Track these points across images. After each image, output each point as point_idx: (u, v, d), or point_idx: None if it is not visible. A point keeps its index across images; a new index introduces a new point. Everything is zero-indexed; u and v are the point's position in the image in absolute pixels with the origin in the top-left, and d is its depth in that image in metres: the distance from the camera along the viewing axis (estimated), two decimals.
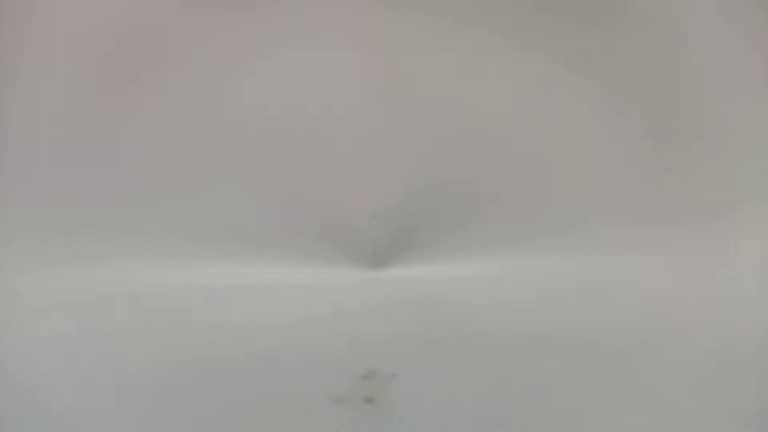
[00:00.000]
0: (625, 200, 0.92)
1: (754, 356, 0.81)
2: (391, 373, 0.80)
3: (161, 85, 0.87)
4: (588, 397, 0.77)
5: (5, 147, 0.87)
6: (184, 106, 0.88)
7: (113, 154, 0.89)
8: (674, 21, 0.87)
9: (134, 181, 0.90)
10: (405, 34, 0.88)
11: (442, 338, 0.85)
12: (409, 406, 0.77)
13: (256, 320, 0.87)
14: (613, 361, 0.81)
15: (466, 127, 0.91)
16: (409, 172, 0.91)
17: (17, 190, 0.88)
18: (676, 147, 0.90)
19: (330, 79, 0.89)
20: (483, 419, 0.75)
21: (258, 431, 0.75)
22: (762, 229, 0.90)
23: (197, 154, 0.90)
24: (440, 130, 0.91)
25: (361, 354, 0.83)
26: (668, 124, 0.90)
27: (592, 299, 0.88)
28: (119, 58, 0.86)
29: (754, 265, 0.89)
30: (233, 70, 0.88)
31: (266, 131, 0.90)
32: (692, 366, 0.80)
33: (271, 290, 0.90)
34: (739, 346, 0.82)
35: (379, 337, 0.85)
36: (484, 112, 0.90)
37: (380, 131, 0.90)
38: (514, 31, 0.88)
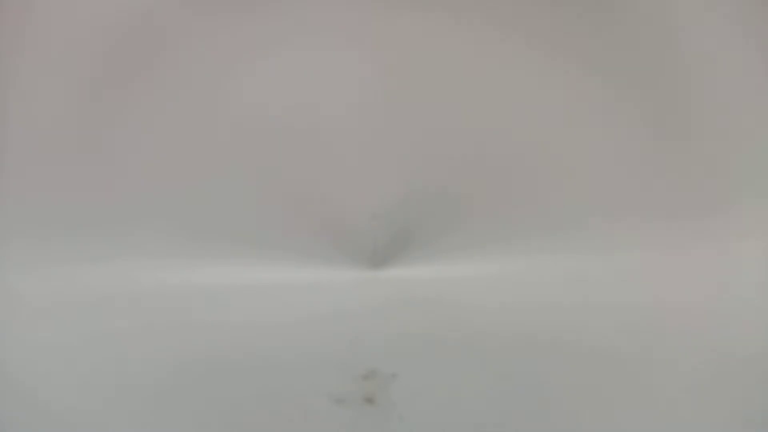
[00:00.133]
0: (626, 200, 0.92)
1: (754, 357, 0.81)
2: (391, 373, 0.80)
3: (161, 85, 0.87)
4: (588, 398, 0.77)
5: (5, 147, 0.87)
6: (184, 106, 0.88)
7: (113, 154, 0.89)
8: (674, 19, 0.87)
9: (134, 181, 0.90)
10: (405, 34, 0.88)
11: (442, 338, 0.85)
12: (409, 406, 0.77)
13: (256, 320, 0.87)
14: (613, 361, 0.81)
15: (466, 126, 0.91)
16: (409, 172, 0.91)
17: (17, 190, 0.88)
18: (677, 146, 0.90)
19: (330, 79, 0.89)
20: (483, 419, 0.75)
21: (258, 431, 0.75)
22: (762, 227, 0.90)
23: (197, 154, 0.90)
24: (440, 130, 0.91)
25: (361, 354, 0.83)
26: (668, 123, 0.90)
27: (592, 299, 0.88)
28: (119, 58, 0.86)
29: (754, 264, 0.89)
30: (233, 70, 0.88)
31: (266, 131, 0.90)
32: (692, 366, 0.80)
33: (271, 290, 0.90)
34: (739, 347, 0.82)
35: (379, 337, 0.85)
36: (484, 111, 0.90)
37: (380, 131, 0.90)
38: (514, 31, 0.88)
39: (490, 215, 0.92)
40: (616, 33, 0.87)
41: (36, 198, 0.89)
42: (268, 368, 0.81)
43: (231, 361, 0.82)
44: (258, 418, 0.76)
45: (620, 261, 0.91)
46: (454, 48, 0.88)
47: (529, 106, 0.90)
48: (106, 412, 0.76)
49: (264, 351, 0.83)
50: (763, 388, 0.78)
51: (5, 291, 0.87)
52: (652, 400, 0.77)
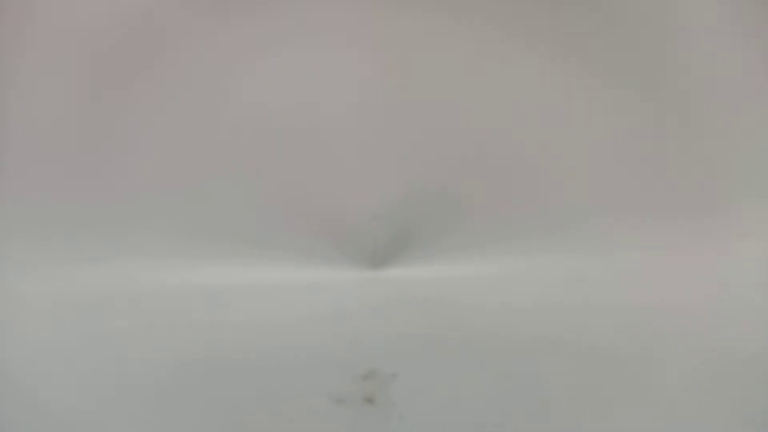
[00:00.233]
0: (626, 200, 0.92)
1: (754, 356, 0.81)
2: (391, 373, 0.80)
3: (161, 85, 0.87)
4: (588, 398, 0.77)
5: (5, 147, 0.87)
6: (184, 106, 0.88)
7: (113, 154, 0.89)
8: (674, 19, 0.87)
9: (134, 181, 0.90)
10: (405, 34, 0.88)
11: (442, 338, 0.85)
12: (409, 406, 0.77)
13: (256, 320, 0.87)
14: (612, 361, 0.81)
15: (466, 126, 0.91)
16: (409, 172, 0.91)
17: (17, 190, 0.88)
18: (677, 146, 0.90)
19: (330, 79, 0.89)
20: (483, 419, 0.75)
21: (258, 431, 0.75)
22: (762, 227, 0.90)
23: (197, 154, 0.90)
24: (440, 130, 0.91)
25: (361, 354, 0.83)
26: (668, 123, 0.90)
27: (592, 299, 0.88)
28: (119, 58, 0.86)
29: (754, 264, 0.89)
30: (233, 70, 0.88)
31: (266, 131, 0.90)
32: (692, 366, 0.80)
33: (271, 290, 0.90)
34: (739, 347, 0.82)
35: (379, 337, 0.85)
36: (484, 111, 0.90)
37: (380, 131, 0.90)
38: (514, 31, 0.88)
39: (490, 215, 0.92)
40: (616, 33, 0.87)
41: (36, 198, 0.89)
42: (268, 368, 0.81)
43: (231, 361, 0.82)
44: (258, 418, 0.76)
45: (620, 261, 0.91)
46: (454, 48, 0.88)
47: (529, 106, 0.90)
48: (107, 412, 0.76)
49: (264, 351, 0.83)
50: (763, 388, 0.78)
51: (5, 291, 0.87)
52: (652, 400, 0.77)
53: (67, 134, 0.88)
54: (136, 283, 0.89)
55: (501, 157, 0.92)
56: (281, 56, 0.88)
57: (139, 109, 0.88)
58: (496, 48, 0.88)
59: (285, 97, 0.89)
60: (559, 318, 0.87)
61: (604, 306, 0.87)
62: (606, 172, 0.91)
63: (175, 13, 0.86)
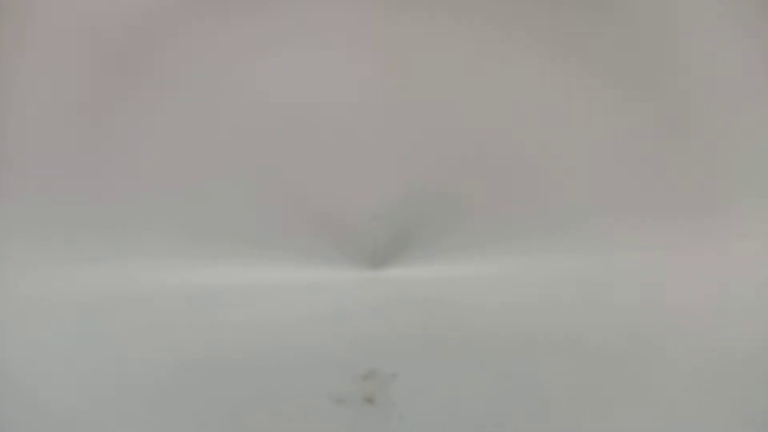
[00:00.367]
0: (626, 200, 0.92)
1: (754, 357, 0.81)
2: (391, 373, 0.80)
3: (161, 85, 0.87)
4: (588, 397, 0.77)
5: (5, 147, 0.87)
6: (185, 107, 0.88)
7: (113, 154, 0.89)
8: (674, 19, 0.87)
9: (134, 181, 0.90)
10: (405, 34, 0.88)
11: (442, 338, 0.85)
12: (409, 406, 0.77)
13: (256, 320, 0.87)
14: (613, 361, 0.81)
15: (466, 126, 0.91)
16: (409, 172, 0.91)
17: (17, 190, 0.88)
18: (677, 146, 0.90)
19: (330, 79, 0.89)
20: (483, 419, 0.75)
21: (258, 431, 0.75)
22: (762, 227, 0.90)
23: (197, 153, 0.90)
24: (440, 130, 0.91)
25: (361, 354, 0.83)
26: (668, 123, 0.90)
27: (592, 299, 0.88)
28: (119, 57, 0.86)
29: (754, 264, 0.89)
30: (233, 70, 0.88)
31: (266, 131, 0.90)
32: (692, 366, 0.80)
33: (271, 290, 0.90)
34: (739, 347, 0.82)
35: (379, 337, 0.85)
36: (484, 111, 0.90)
37: (380, 131, 0.90)
38: (514, 31, 0.88)
39: (490, 215, 0.92)
40: (616, 33, 0.87)
41: (36, 198, 0.89)
42: (268, 368, 0.81)
43: (231, 361, 0.82)
44: (258, 418, 0.76)
45: (620, 261, 0.91)
46: (454, 48, 0.88)
47: (529, 106, 0.90)
48: (107, 412, 0.76)
49: (264, 351, 0.83)
50: (763, 388, 0.78)
51: (5, 291, 0.87)
52: (652, 400, 0.77)
53: (67, 134, 0.88)
54: (136, 283, 0.89)
55: (501, 157, 0.92)
56: (281, 56, 0.88)
57: (139, 109, 0.88)
58: (496, 48, 0.88)
59: (285, 97, 0.89)
60: (559, 318, 0.87)
61: (604, 306, 0.87)
62: (606, 172, 0.91)
63: (176, 13, 0.86)
